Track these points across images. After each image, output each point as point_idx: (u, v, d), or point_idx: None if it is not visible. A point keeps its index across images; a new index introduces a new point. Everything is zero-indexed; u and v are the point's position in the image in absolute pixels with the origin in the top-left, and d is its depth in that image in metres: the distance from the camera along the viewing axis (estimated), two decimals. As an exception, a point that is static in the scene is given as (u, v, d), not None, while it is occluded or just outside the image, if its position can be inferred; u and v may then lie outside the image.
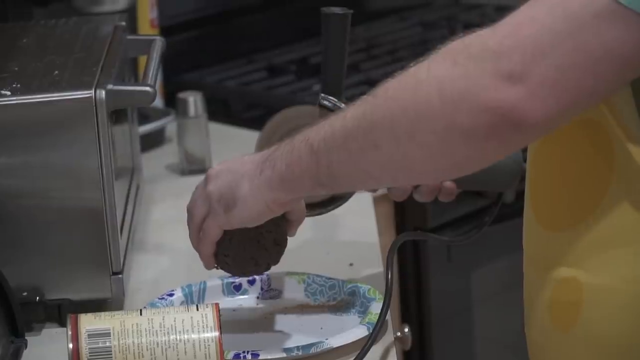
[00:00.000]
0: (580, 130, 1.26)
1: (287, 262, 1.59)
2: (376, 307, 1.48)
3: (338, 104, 1.56)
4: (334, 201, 1.58)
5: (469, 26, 1.39)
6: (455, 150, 1.18)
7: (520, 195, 1.44)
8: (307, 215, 1.55)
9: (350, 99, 1.40)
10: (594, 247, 1.25)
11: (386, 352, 1.45)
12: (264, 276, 1.62)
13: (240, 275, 1.55)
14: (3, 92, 1.53)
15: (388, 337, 1.47)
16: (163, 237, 1.85)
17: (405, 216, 1.90)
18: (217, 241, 1.46)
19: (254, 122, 2.14)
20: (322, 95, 1.55)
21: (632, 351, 1.23)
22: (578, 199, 1.27)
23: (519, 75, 1.13)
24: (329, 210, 1.59)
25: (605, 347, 1.24)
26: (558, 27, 1.14)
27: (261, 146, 1.50)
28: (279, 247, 1.47)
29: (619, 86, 1.19)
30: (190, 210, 1.43)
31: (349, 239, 1.71)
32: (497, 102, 1.13)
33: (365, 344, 1.39)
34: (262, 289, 1.63)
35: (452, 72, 1.17)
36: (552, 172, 1.31)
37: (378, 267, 1.65)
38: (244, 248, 1.46)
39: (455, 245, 2.09)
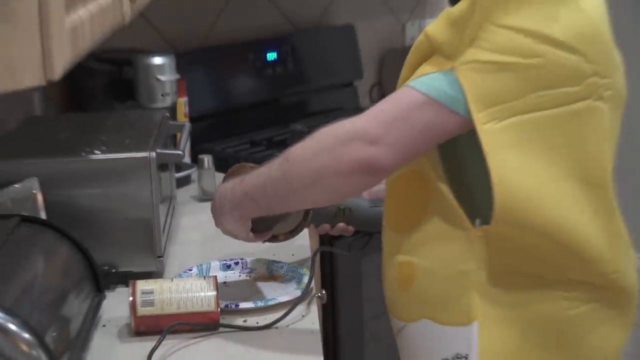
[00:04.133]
0: (410, 173, 1.51)
1: (261, 253, 1.90)
2: (306, 279, 1.77)
3: None
4: (294, 232, 1.77)
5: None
6: (341, 188, 1.42)
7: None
8: (280, 241, 1.76)
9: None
10: (421, 242, 1.50)
11: (311, 305, 1.73)
12: (244, 260, 1.87)
13: (306, 223, 1.70)
14: (96, 151, 1.81)
15: (313, 297, 1.75)
16: (187, 237, 2.12)
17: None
18: (263, 232, 1.66)
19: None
20: None
21: (444, 302, 1.50)
22: (410, 213, 1.51)
23: (376, 141, 1.36)
24: (291, 237, 1.78)
25: (428, 301, 1.51)
26: (398, 114, 1.37)
27: (225, 180, 1.67)
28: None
29: (435, 145, 1.44)
30: (233, 237, 1.65)
31: (293, 241, 1.83)
32: (363, 158, 1.37)
33: (298, 300, 1.69)
34: (242, 267, 1.88)
35: (335, 143, 1.39)
36: (397, 197, 1.56)
37: (307, 255, 1.92)
38: (274, 217, 1.64)
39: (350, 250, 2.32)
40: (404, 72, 1.48)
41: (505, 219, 1.40)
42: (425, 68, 1.42)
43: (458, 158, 1.49)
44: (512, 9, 1.36)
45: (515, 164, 1.39)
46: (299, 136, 1.50)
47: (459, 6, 1.41)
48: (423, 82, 1.39)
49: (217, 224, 1.63)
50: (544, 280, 1.48)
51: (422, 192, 1.49)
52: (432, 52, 1.43)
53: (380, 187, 1.63)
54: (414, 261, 1.50)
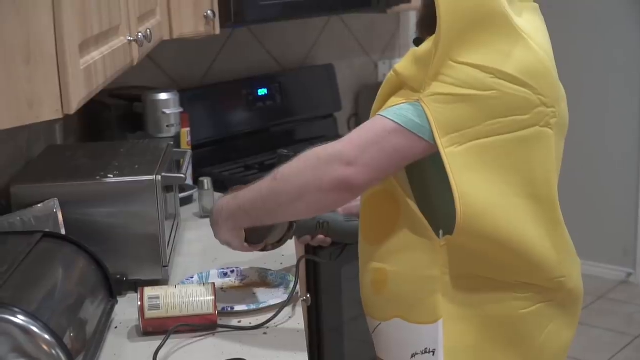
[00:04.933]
0: (382, 191, 1.50)
1: (253, 262, 1.88)
2: (292, 285, 1.75)
3: None
4: (280, 243, 1.74)
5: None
6: (322, 203, 1.43)
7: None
8: (267, 250, 1.73)
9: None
10: (392, 251, 1.50)
11: (296, 307, 1.72)
12: (239, 268, 1.85)
13: (292, 232, 1.68)
14: (109, 175, 1.80)
15: (298, 300, 1.74)
16: (189, 249, 2.12)
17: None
18: (255, 244, 1.63)
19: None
20: None
21: (413, 303, 1.49)
22: (383, 226, 1.50)
23: (352, 162, 1.37)
24: (278, 247, 1.76)
25: (399, 302, 1.51)
26: (372, 139, 1.38)
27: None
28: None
29: (403, 166, 1.44)
30: (229, 246, 1.63)
31: (280, 251, 1.83)
32: (342, 177, 1.38)
33: (285, 303, 1.68)
34: (237, 275, 1.87)
35: (317, 163, 1.40)
36: (371, 213, 1.54)
37: (294, 264, 1.91)
38: (265, 229, 1.63)
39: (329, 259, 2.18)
40: (376, 103, 1.47)
41: (466, 230, 1.40)
42: (395, 100, 1.42)
43: (424, 178, 1.49)
44: (470, 47, 1.36)
45: (474, 183, 1.38)
46: (285, 159, 1.50)
47: (423, 47, 1.41)
48: (393, 111, 1.39)
49: (215, 234, 1.63)
50: (499, 283, 1.47)
51: (393, 208, 1.49)
52: (400, 86, 1.44)
53: (353, 204, 1.62)
54: (386, 268, 1.50)
